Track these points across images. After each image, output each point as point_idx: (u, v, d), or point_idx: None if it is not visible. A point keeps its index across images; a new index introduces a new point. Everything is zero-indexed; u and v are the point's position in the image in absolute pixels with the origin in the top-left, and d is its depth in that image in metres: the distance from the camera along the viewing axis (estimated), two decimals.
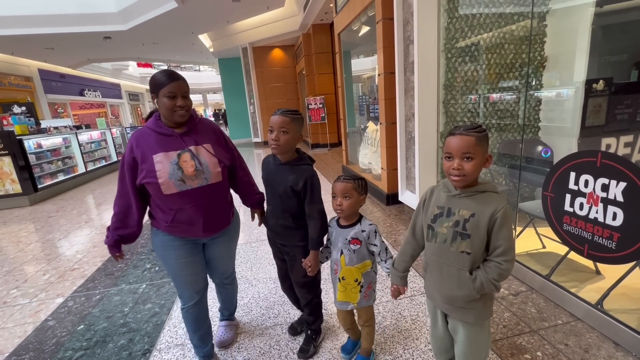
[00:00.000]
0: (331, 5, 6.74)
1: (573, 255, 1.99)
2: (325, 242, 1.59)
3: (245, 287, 2.43)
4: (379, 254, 1.45)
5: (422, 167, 3.11)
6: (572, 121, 2.56)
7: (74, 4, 8.32)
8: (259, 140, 11.63)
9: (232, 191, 1.68)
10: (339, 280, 1.49)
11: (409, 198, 3.44)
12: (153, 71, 22.99)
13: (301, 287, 1.64)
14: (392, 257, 1.44)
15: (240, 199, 1.78)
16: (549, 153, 2.57)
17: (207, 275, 1.67)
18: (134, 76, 20.55)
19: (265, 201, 1.69)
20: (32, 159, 5.75)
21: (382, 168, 4.11)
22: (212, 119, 28.39)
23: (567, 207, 1.83)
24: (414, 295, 2.18)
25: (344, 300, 1.51)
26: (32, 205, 5.61)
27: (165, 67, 24.70)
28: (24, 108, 8.82)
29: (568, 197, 1.81)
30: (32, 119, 8.22)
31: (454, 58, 2.86)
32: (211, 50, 11.63)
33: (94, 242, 3.58)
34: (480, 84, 2.91)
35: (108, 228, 1.48)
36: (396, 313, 2.01)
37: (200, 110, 32.86)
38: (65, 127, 7.68)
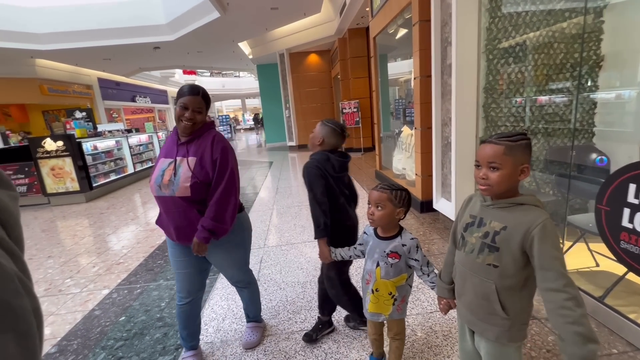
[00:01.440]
0: (367, 9, 6.70)
1: (632, 277, 1.78)
2: (352, 250, 1.57)
3: (274, 290, 2.46)
4: (420, 268, 1.37)
5: (459, 174, 2.97)
6: (634, 125, 2.30)
7: (129, 18, 9.06)
8: (293, 144, 11.81)
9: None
10: (372, 292, 1.44)
11: (444, 206, 3.29)
12: (197, 78, 24.37)
13: (325, 280, 1.76)
14: (435, 271, 1.37)
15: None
16: (605, 161, 2.32)
17: (203, 280, 1.73)
18: (179, 83, 21.85)
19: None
20: (88, 159, 6.31)
21: (416, 174, 3.98)
22: (252, 122, 29.38)
23: (625, 223, 1.64)
24: None
25: (376, 311, 1.46)
26: (87, 202, 6.15)
27: (208, 74, 26.06)
28: (84, 113, 9.73)
29: (627, 211, 1.62)
30: (90, 123, 9.04)
31: (495, 59, 2.70)
32: (250, 57, 12.06)
33: (138, 239, 3.84)
34: (525, 87, 2.72)
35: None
36: (427, 327, 1.92)
37: (239, 115, 34.16)
38: (118, 130, 8.34)
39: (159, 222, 1.63)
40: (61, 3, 9.08)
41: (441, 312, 1.28)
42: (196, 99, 1.45)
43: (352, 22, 8.05)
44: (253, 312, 1.97)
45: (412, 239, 1.39)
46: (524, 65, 2.67)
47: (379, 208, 1.34)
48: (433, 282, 1.35)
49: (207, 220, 1.48)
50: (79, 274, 3.04)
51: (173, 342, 1.96)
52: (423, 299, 2.19)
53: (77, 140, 6.12)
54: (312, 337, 1.87)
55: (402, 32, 5.08)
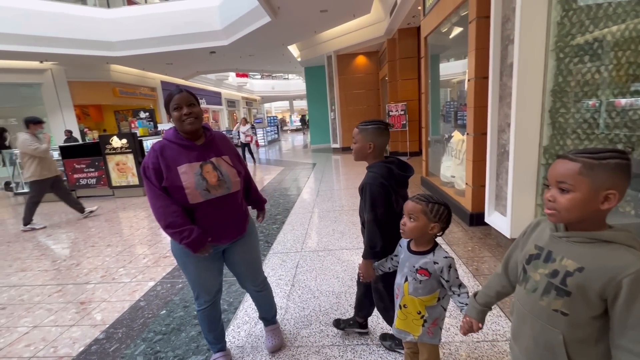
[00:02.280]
0: (419, 8, 6.40)
1: None
2: (389, 260, 1.50)
3: (308, 297, 2.40)
4: (449, 288, 1.26)
5: (516, 186, 2.66)
6: None
7: (188, 25, 9.70)
8: (337, 146, 11.76)
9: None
10: (400, 307, 1.35)
11: (498, 221, 2.98)
12: (249, 80, 25.45)
13: (374, 292, 1.69)
14: (467, 292, 1.24)
15: (247, 204, 1.81)
16: None
17: (222, 281, 1.73)
18: (232, 85, 22.99)
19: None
20: None
21: (466, 183, 3.68)
22: (299, 124, 29.99)
23: None
24: (496, 340, 1.84)
25: (403, 329, 1.36)
26: (144, 195, 6.67)
27: (259, 77, 27.08)
28: (147, 113, 10.64)
29: None
30: (152, 122, 9.85)
31: (567, 58, 2.37)
32: (299, 59, 12.26)
33: None
34: (604, 89, 2.35)
35: (176, 230, 1.40)
36: (472, 359, 1.71)
37: (286, 116, 35.04)
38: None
39: (205, 237, 1.47)
40: (131, 14, 10.02)
41: (460, 331, 1.13)
42: (183, 95, 1.43)
43: (403, 22, 7.76)
44: (271, 313, 1.95)
45: (446, 257, 1.26)
46: (603, 64, 2.31)
47: (412, 219, 1.25)
48: (463, 304, 1.21)
49: (260, 196, 1.89)
50: (130, 264, 3.26)
51: (206, 342, 1.98)
52: None
53: (139, 138, 6.67)
54: (340, 325, 1.92)
55: (457, 30, 4.75)
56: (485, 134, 3.12)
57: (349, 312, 2.15)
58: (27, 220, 4.79)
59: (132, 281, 2.89)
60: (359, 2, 7.70)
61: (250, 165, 8.46)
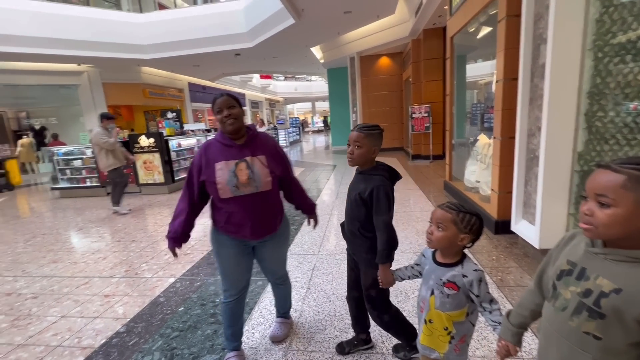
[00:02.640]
0: (445, 7, 6.23)
1: None
2: (409, 269, 1.45)
3: (323, 301, 2.37)
4: (480, 304, 1.18)
5: (547, 194, 2.51)
6: None
7: (215, 28, 9.96)
8: None
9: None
10: (425, 322, 1.27)
11: (525, 230, 2.83)
12: (272, 82, 25.79)
13: (366, 300, 1.65)
14: (499, 309, 1.16)
15: (295, 208, 1.92)
16: None
17: (250, 277, 1.81)
18: (256, 87, 23.38)
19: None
20: (173, 155, 7.07)
21: (492, 189, 3.52)
22: (322, 125, 30.08)
23: None
24: (522, 358, 1.73)
25: (428, 345, 1.28)
26: (169, 193, 6.89)
27: (282, 78, 27.40)
28: (174, 114, 11.01)
29: None
30: (178, 122, 10.17)
31: (607, 58, 2.21)
32: (322, 61, 12.28)
33: (205, 232, 4.11)
34: None
35: (171, 223, 1.69)
36: None
37: (308, 117, 35.22)
38: (200, 130, 9.21)
39: (225, 226, 1.63)
40: (161, 18, 10.41)
41: (497, 355, 1.05)
42: (223, 99, 1.57)
43: (428, 22, 7.59)
44: (285, 308, 2.05)
45: (476, 270, 1.17)
46: None
47: (440, 229, 1.17)
48: (496, 322, 1.13)
49: (307, 199, 1.88)
50: (152, 260, 3.36)
51: (221, 342, 2.00)
52: (492, 339, 1.87)
53: (165, 138, 6.90)
54: (344, 349, 1.84)
55: (485, 30, 4.57)
56: (514, 137, 2.98)
57: None
58: (117, 200, 5.45)
59: (154, 277, 2.98)
60: (384, 3, 7.61)
61: None
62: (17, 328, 2.31)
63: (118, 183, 5.40)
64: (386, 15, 8.63)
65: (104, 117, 5.17)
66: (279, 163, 1.69)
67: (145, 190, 7.02)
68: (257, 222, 1.62)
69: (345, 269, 2.81)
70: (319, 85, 26.82)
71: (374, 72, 11.22)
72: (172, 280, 2.88)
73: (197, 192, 1.63)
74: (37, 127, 12.82)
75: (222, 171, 1.53)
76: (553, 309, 0.84)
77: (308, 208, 1.92)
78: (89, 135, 5.43)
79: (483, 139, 4.23)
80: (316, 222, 1.96)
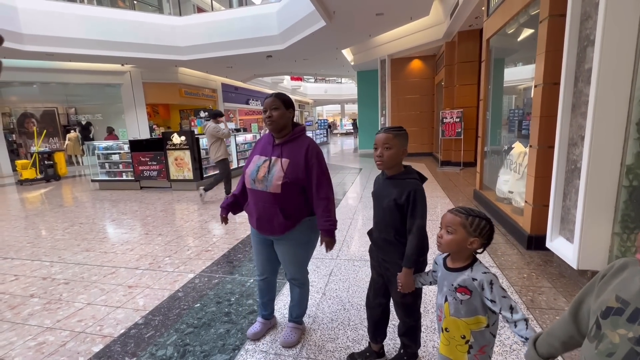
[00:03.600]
0: (483, 8, 5.96)
1: None
2: (426, 270, 1.46)
3: (337, 309, 2.31)
4: (499, 312, 1.10)
5: (589, 210, 2.29)
6: None
7: (248, 31, 10.20)
8: None
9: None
10: (442, 330, 1.25)
11: (562, 247, 2.60)
12: (302, 84, 26.05)
13: (400, 307, 1.62)
14: (525, 320, 1.06)
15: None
16: None
17: (275, 267, 1.97)
18: (286, 88, 23.70)
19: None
20: (202, 153, 7.30)
21: (526, 201, 3.29)
22: (351, 127, 29.93)
23: None
24: None
25: (447, 355, 1.24)
26: (197, 190, 7.11)
27: (313, 80, 27.58)
28: (206, 113, 11.40)
29: None
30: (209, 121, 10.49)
31: None
32: (352, 63, 12.21)
33: (227, 230, 4.20)
34: None
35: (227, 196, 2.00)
36: None
37: (337, 119, 35.19)
38: (230, 129, 9.46)
39: (247, 208, 1.87)
40: (199, 20, 10.82)
41: None
42: (269, 100, 1.67)
43: (464, 23, 7.30)
44: (298, 312, 2.02)
45: (485, 272, 1.14)
46: None
47: (449, 232, 1.18)
48: (523, 337, 1.05)
49: (325, 217, 1.71)
50: (175, 254, 3.46)
51: (232, 342, 2.00)
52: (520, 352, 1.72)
53: (196, 136, 7.14)
54: None
55: (527, 32, 4.30)
56: (552, 147, 2.75)
57: None
58: (209, 187, 5.95)
59: (175, 271, 3.06)
60: (418, 4, 7.41)
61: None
62: (48, 311, 2.45)
63: (222, 174, 5.95)
64: (420, 17, 8.41)
65: (218, 115, 5.90)
66: (303, 171, 1.66)
67: (175, 185, 7.30)
68: (261, 218, 1.75)
69: (363, 276, 2.76)
70: (348, 87, 26.73)
71: (405, 75, 10.98)
72: (191, 275, 2.94)
73: None
74: (83, 123, 13.78)
75: (253, 163, 1.73)
76: (596, 352, 0.72)
77: (322, 226, 1.72)
78: (204, 130, 6.09)
79: (518, 147, 3.98)
80: (328, 247, 1.76)
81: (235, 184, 4.75)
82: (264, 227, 1.76)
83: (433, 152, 10.77)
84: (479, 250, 1.18)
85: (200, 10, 14.09)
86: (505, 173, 4.26)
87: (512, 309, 1.08)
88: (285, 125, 1.69)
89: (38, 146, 9.63)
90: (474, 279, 1.15)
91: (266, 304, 2.04)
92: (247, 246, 3.60)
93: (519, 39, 4.49)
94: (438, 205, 4.89)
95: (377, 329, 1.75)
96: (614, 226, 2.27)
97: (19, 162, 9.14)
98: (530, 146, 3.20)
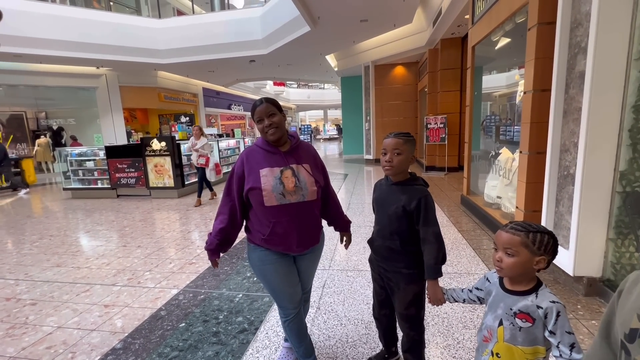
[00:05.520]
0: (466, 16, 6.08)
1: None
2: (467, 292, 1.29)
3: (334, 324, 2.19)
4: (557, 346, 0.98)
5: (583, 216, 2.29)
6: None
7: (231, 35, 10.01)
8: (370, 157, 11.48)
9: None
10: (491, 354, 1.10)
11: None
12: (285, 89, 25.95)
13: (403, 320, 1.54)
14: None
15: (327, 223, 1.80)
16: None
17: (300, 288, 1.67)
18: (269, 93, 23.52)
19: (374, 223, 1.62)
20: (183, 160, 7.03)
21: (516, 207, 3.29)
22: (336, 132, 30.03)
23: None
24: None
25: None
26: (178, 197, 6.83)
27: (296, 86, 27.55)
28: (187, 118, 11.09)
29: None
30: (190, 127, 10.19)
31: None
32: (336, 69, 12.22)
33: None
34: None
35: (210, 234, 1.59)
36: None
37: (320, 125, 35.26)
38: (211, 135, 9.20)
39: (269, 238, 1.50)
40: (179, 24, 10.53)
41: None
42: (263, 107, 1.49)
43: (447, 31, 7.44)
44: None
45: (554, 302, 0.99)
46: None
47: (509, 255, 1.01)
48: None
49: (343, 214, 1.79)
50: (157, 268, 3.24)
51: None
52: None
53: (177, 142, 6.87)
54: None
55: (504, 41, 4.38)
56: (543, 153, 2.77)
57: (379, 346, 1.91)
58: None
59: (156, 287, 2.84)
60: (401, 12, 7.50)
61: (205, 199, 6.37)
62: (12, 338, 2.20)
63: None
64: (403, 24, 8.52)
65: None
66: (321, 173, 1.64)
67: (155, 193, 6.98)
68: (303, 232, 1.54)
69: (358, 288, 2.65)
70: (331, 93, 26.87)
71: (389, 81, 11.09)
72: (175, 292, 2.74)
73: (238, 203, 1.54)
74: (54, 128, 13.07)
75: (267, 177, 1.46)
76: None
77: (344, 224, 1.82)
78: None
79: (506, 153, 4.02)
80: (349, 241, 1.86)
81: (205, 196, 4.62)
82: (305, 242, 1.56)
83: (417, 157, 10.89)
84: (543, 268, 1.04)
85: (180, 13, 13.78)
86: (493, 178, 4.30)
87: (572, 347, 0.97)
88: (285, 131, 1.56)
89: None
90: (538, 307, 1.00)
91: (309, 348, 1.68)
92: (233, 257, 3.42)
93: (497, 48, 4.57)
94: None
95: (387, 335, 1.74)
96: (608, 232, 2.28)
97: None
98: (520, 152, 3.22)
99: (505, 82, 5.24)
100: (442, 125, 8.23)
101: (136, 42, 10.23)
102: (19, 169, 8.98)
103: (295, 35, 8.40)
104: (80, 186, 7.49)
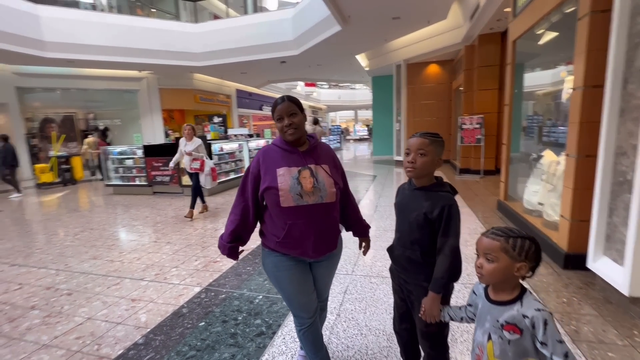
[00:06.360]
0: (507, 9, 5.69)
1: None
2: (464, 310, 1.22)
3: (354, 334, 2.09)
4: (551, 358, 0.92)
5: None
6: None
7: (262, 37, 10.19)
8: (400, 158, 11.14)
9: None
10: None
11: (607, 269, 2.30)
12: (316, 90, 26.05)
13: (424, 337, 1.42)
14: None
15: (346, 228, 1.74)
16: None
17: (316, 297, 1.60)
18: (300, 94, 23.71)
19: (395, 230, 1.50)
20: (215, 159, 7.21)
21: (561, 215, 2.99)
22: (366, 133, 29.69)
23: None
24: None
25: None
26: (208, 196, 7.01)
27: (327, 86, 27.56)
28: (220, 119, 11.41)
29: None
30: (223, 127, 10.49)
31: None
32: (367, 69, 12.03)
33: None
34: None
35: (221, 237, 1.55)
36: None
37: (350, 125, 35.02)
38: (242, 135, 9.40)
39: (284, 241, 1.44)
40: (214, 27, 10.89)
41: None
42: (284, 105, 1.44)
43: (485, 26, 7.02)
44: None
45: (540, 310, 0.94)
46: None
47: (489, 260, 1.00)
48: None
49: (362, 219, 1.72)
50: (183, 265, 3.31)
51: None
52: None
53: (208, 141, 7.07)
54: None
55: (549, 35, 4.02)
56: (594, 156, 2.48)
57: None
58: None
59: (181, 284, 2.90)
60: (435, 8, 7.20)
61: (196, 211, 5.31)
62: (47, 326, 2.32)
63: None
64: (437, 20, 8.18)
65: (315, 123, 7.53)
66: (340, 175, 1.58)
67: (188, 191, 7.19)
68: (320, 236, 1.46)
69: (381, 296, 2.53)
70: (362, 93, 26.59)
71: (421, 80, 10.72)
72: (197, 289, 2.78)
73: (252, 203, 1.49)
74: (101, 128, 14.05)
75: (284, 177, 1.40)
76: None
77: (362, 230, 1.73)
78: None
79: (549, 155, 3.68)
80: (368, 247, 1.75)
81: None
82: (322, 247, 1.48)
83: (450, 160, 10.42)
84: (527, 275, 1.01)
85: (217, 17, 14.25)
86: (535, 183, 3.96)
87: (566, 357, 0.91)
88: (304, 131, 1.51)
89: (56, 150, 9.80)
90: (524, 316, 0.96)
91: (326, 355, 1.63)
92: (256, 258, 3.41)
93: (540, 43, 4.21)
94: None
95: (408, 350, 1.60)
96: None
97: (37, 166, 9.31)
98: (567, 155, 2.91)
99: (550, 80, 4.83)
100: (478, 126, 7.79)
101: (174, 46, 10.73)
102: (68, 166, 9.70)
103: (325, 35, 8.36)
104: (120, 183, 7.95)
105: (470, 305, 1.19)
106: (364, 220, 1.74)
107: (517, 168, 4.86)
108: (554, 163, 3.51)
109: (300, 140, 1.49)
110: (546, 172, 3.63)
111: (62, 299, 2.70)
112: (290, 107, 1.43)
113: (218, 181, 5.70)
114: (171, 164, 5.44)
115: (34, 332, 2.26)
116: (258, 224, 1.58)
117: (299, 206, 1.40)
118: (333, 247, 1.55)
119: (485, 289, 1.10)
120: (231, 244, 1.52)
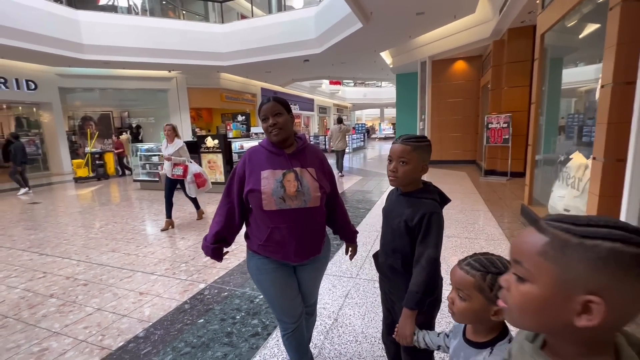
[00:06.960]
0: (537, 1, 5.32)
1: None
2: (443, 338, 1.08)
3: (349, 340, 2.04)
4: None
5: None
6: None
7: (285, 35, 10.27)
8: None
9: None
10: None
11: None
12: (341, 88, 25.90)
13: (405, 351, 1.31)
14: None
15: (333, 232, 1.70)
16: None
17: (301, 301, 1.56)
18: (325, 92, 23.70)
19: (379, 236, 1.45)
20: (234, 157, 7.37)
21: None
22: (392, 132, 29.21)
23: None
24: None
25: None
26: None
27: (352, 84, 27.33)
28: (243, 117, 11.65)
29: None
30: (245, 125, 10.70)
31: None
32: (391, 66, 11.79)
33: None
34: None
35: (205, 238, 1.54)
36: None
37: (376, 124, 34.56)
38: (263, 133, 9.53)
39: (265, 244, 1.42)
40: (239, 27, 11.11)
41: None
42: (269, 105, 1.41)
43: (515, 19, 6.62)
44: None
45: None
46: None
47: (461, 298, 0.85)
48: None
49: (349, 224, 1.68)
50: (193, 261, 3.40)
51: None
52: None
53: (228, 139, 7.23)
54: None
55: (589, 27, 3.71)
56: (624, 160, 2.25)
57: None
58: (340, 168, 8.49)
59: (188, 279, 2.98)
60: (462, 2, 6.89)
61: (192, 218, 5.11)
62: (60, 314, 2.47)
63: (338, 157, 8.68)
64: (465, 15, 7.84)
65: (339, 122, 8.63)
66: (327, 179, 1.54)
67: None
68: (302, 241, 1.43)
69: (381, 302, 2.44)
70: (388, 91, 26.09)
71: (447, 78, 10.33)
72: (202, 286, 2.84)
73: (237, 205, 1.47)
74: (134, 125, 14.81)
75: (268, 180, 1.38)
76: None
77: (349, 235, 1.70)
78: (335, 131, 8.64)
79: (578, 157, 3.40)
80: (354, 252, 1.74)
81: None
82: (304, 252, 1.46)
83: (476, 160, 9.97)
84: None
85: (244, 17, 14.54)
86: (561, 187, 3.68)
87: None
88: (291, 132, 1.47)
89: (91, 147, 10.44)
90: None
91: None
92: None
93: (580, 34, 3.89)
94: (478, 221, 4.38)
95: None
96: None
97: (74, 161, 9.97)
98: (594, 158, 2.67)
99: (593, 75, 4.46)
100: (505, 125, 7.38)
101: (202, 46, 11.07)
102: (102, 162, 10.31)
103: (347, 32, 8.27)
104: (147, 178, 8.33)
105: (448, 336, 1.05)
106: (352, 225, 1.71)
107: (545, 171, 4.55)
108: (583, 167, 3.24)
109: (287, 142, 1.45)
110: (573, 176, 3.36)
111: (78, 289, 2.86)
112: (275, 107, 1.41)
113: (209, 187, 5.14)
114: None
115: (49, 319, 2.40)
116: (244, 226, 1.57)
117: (281, 210, 1.37)
118: (317, 252, 1.51)
119: (465, 328, 0.95)
120: (215, 245, 1.51)
